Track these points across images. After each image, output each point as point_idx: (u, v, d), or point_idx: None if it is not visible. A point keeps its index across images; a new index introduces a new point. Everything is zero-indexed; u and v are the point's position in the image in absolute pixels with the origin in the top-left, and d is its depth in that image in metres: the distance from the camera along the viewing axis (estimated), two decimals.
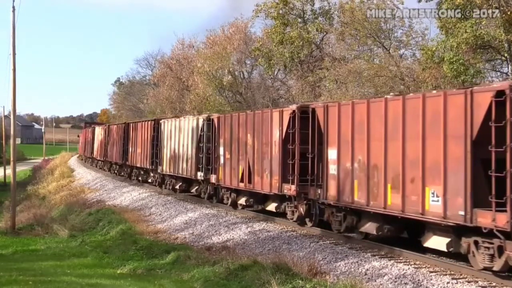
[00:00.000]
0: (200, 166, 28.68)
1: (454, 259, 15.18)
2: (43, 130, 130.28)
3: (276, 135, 21.87)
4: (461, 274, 14.23)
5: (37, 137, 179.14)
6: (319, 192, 19.24)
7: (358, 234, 18.33)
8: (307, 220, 20.69)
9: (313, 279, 14.63)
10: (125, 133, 45.31)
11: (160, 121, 35.77)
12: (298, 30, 40.10)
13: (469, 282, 13.59)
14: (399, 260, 15.87)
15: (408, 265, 15.29)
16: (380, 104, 16.66)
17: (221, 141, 26.41)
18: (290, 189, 20.85)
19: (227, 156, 25.72)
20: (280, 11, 40.54)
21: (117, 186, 42.08)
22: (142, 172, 40.95)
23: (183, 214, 26.90)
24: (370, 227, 17.39)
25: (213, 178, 27.30)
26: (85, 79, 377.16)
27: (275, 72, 47.22)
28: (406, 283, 13.97)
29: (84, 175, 56.98)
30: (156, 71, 76.48)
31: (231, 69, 49.21)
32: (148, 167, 38.27)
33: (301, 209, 20.60)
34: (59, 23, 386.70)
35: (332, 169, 18.59)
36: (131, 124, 44.23)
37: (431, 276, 14.18)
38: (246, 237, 21.01)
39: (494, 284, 13.44)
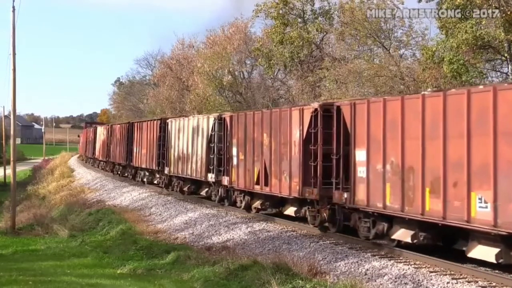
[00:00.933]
0: (211, 168, 27.51)
1: (454, 259, 15.17)
2: (43, 130, 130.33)
3: (296, 135, 20.52)
4: (461, 274, 14.22)
5: (37, 137, 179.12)
6: (345, 196, 17.97)
7: (389, 241, 16.99)
8: (329, 225, 19.56)
9: (313, 279, 14.63)
10: (129, 133, 43.81)
11: (167, 121, 34.38)
12: (298, 30, 40.12)
13: (469, 282, 13.58)
14: (399, 260, 15.87)
15: (408, 265, 15.28)
16: (417, 101, 15.48)
17: (234, 141, 25.06)
18: (312, 192, 19.61)
19: (241, 157, 24.38)
20: (280, 11, 40.56)
21: (117, 186, 42.09)
22: (147, 173, 39.64)
23: (183, 214, 26.90)
24: (403, 235, 16.22)
25: (225, 180, 25.94)
26: (85, 79, 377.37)
27: (275, 72, 47.24)
28: (406, 283, 13.96)
29: (84, 175, 56.98)
30: (156, 71, 76.57)
31: (231, 69, 49.23)
32: (154, 168, 36.92)
33: (324, 214, 19.38)
34: (59, 23, 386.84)
35: (361, 171, 17.34)
36: (136, 124, 42.48)
37: (431, 276, 14.18)
38: (246, 237, 21.01)
39: (494, 284, 13.43)
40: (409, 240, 15.94)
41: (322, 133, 19.35)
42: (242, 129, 24.36)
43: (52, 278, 17.50)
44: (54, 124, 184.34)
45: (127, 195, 36.44)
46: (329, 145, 18.87)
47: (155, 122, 37.07)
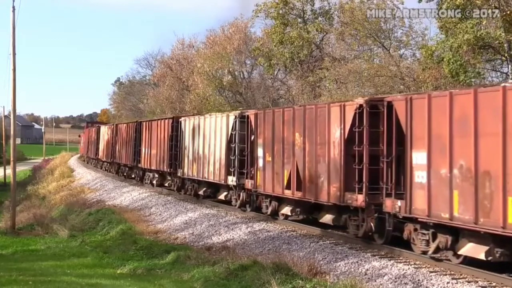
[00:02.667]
0: (232, 170, 25.42)
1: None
2: (43, 130, 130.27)
3: (336, 134, 18.29)
4: (461, 274, 14.21)
5: (37, 137, 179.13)
6: (399, 204, 15.90)
7: (453, 257, 14.89)
8: (376, 236, 17.44)
9: (313, 279, 14.63)
10: (137, 132, 41.42)
11: (180, 119, 32.38)
12: (298, 30, 40.14)
13: (469, 282, 13.58)
14: (399, 260, 15.86)
15: (408, 265, 15.28)
16: (495, 94, 13.34)
17: (260, 141, 22.94)
18: (357, 199, 17.35)
19: (268, 158, 22.25)
20: (280, 11, 40.63)
21: (117, 186, 42.08)
22: (156, 176, 37.22)
23: (183, 214, 26.90)
24: (474, 250, 14.14)
25: (249, 184, 23.87)
26: (85, 79, 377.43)
27: (275, 72, 47.30)
28: (406, 283, 13.96)
29: (84, 175, 56.97)
30: (156, 71, 76.58)
31: (231, 69, 49.28)
32: (165, 170, 34.60)
33: (371, 223, 17.20)
34: (59, 23, 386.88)
35: (419, 176, 15.22)
36: (145, 123, 39.93)
37: (431, 276, 14.18)
38: (246, 237, 21.01)
39: (494, 284, 13.42)
40: (482, 256, 13.80)
41: (368, 132, 17.18)
42: (269, 128, 22.26)
43: (52, 278, 17.49)
44: (54, 124, 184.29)
45: (127, 195, 36.44)
46: (376, 145, 16.85)
47: (166, 121, 34.88)
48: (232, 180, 25.50)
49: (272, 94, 47.14)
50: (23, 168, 78.78)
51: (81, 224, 28.52)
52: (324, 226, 20.06)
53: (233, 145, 25.48)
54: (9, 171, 43.05)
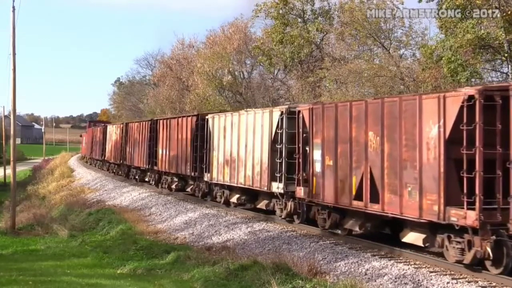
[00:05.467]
0: (279, 175, 21.92)
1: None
2: (43, 130, 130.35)
3: (432, 134, 14.83)
4: (461, 274, 14.22)
5: (37, 137, 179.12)
6: None
7: None
8: (491, 263, 13.96)
9: (313, 279, 14.64)
10: (152, 132, 37.68)
11: (207, 117, 28.75)
12: (298, 29, 40.17)
13: (469, 282, 13.59)
14: (399, 260, 15.86)
15: (408, 265, 15.28)
16: None
17: (317, 141, 19.39)
18: (465, 216, 13.81)
19: (328, 162, 18.81)
20: (280, 11, 40.66)
21: (117, 186, 42.08)
22: (176, 180, 33.58)
23: (183, 214, 26.89)
24: None
25: (301, 192, 20.29)
26: (85, 79, 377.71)
27: (275, 72, 47.34)
28: (406, 283, 13.96)
29: (84, 175, 56.98)
30: (156, 71, 76.67)
31: (231, 69, 49.29)
32: (187, 173, 31.08)
33: (486, 248, 13.70)
34: (59, 23, 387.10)
35: None
36: (162, 121, 36.22)
37: (431, 276, 14.18)
38: (246, 237, 21.01)
39: (494, 284, 13.43)
40: None
41: (481, 131, 13.69)
42: (330, 126, 18.67)
43: (52, 278, 17.49)
44: (54, 124, 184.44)
45: (127, 195, 36.44)
46: (493, 148, 13.70)
47: (189, 119, 31.28)
48: (277, 187, 22.02)
49: (272, 94, 47.15)
50: (23, 168, 78.79)
51: (81, 224, 28.53)
52: (402, 244, 16.77)
53: (278, 146, 22.10)
54: (9, 171, 43.04)
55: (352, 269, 15.60)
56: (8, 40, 54.31)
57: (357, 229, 18.20)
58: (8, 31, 52.09)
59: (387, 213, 16.34)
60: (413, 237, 16.08)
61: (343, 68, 34.88)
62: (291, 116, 21.45)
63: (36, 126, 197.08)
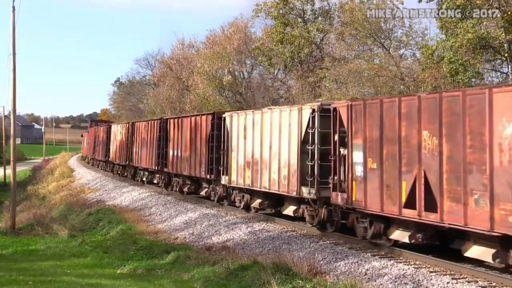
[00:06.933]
0: (310, 179, 19.85)
1: (454, 259, 15.17)
2: (43, 130, 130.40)
3: (506, 133, 13.00)
4: (461, 274, 14.22)
5: (37, 137, 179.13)
6: None
7: None
8: None
9: (313, 279, 14.63)
10: (161, 131, 35.87)
11: (224, 115, 26.81)
12: (298, 29, 40.18)
13: (469, 282, 13.59)
14: (399, 260, 15.86)
15: (408, 265, 15.28)
16: None
17: (358, 142, 17.56)
18: None
19: (371, 165, 16.92)
20: (281, 11, 40.64)
21: (117, 186, 42.09)
22: (188, 182, 31.75)
23: (183, 214, 26.89)
24: None
25: (337, 198, 18.38)
26: (85, 79, 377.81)
27: (275, 72, 47.34)
28: (406, 283, 13.96)
29: (84, 175, 56.99)
30: (156, 71, 76.64)
31: (231, 69, 49.29)
32: (201, 176, 29.16)
33: None
34: (59, 23, 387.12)
35: None
36: (172, 121, 34.32)
37: (431, 276, 14.18)
38: (246, 237, 21.00)
39: (494, 284, 13.43)
40: None
41: None
42: (374, 124, 16.90)
43: (52, 278, 17.50)
44: (54, 124, 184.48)
45: (127, 195, 36.45)
46: None
47: (203, 117, 29.41)
48: (309, 192, 19.95)
49: (272, 94, 47.16)
50: (23, 168, 78.81)
51: (81, 224, 28.54)
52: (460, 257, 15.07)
53: (309, 147, 20.03)
54: (9, 171, 43.06)
55: (352, 269, 15.60)
56: (8, 40, 54.32)
57: (406, 240, 16.15)
58: (8, 31, 52.11)
59: (446, 224, 14.44)
60: (479, 252, 14.18)
61: (343, 68, 34.89)
62: (324, 114, 19.64)
63: (36, 126, 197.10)
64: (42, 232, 27.47)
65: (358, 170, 17.46)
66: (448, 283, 13.58)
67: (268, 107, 25.17)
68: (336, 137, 18.63)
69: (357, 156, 17.52)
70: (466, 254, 14.49)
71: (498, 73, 30.54)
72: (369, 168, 17.00)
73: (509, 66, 28.02)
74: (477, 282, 13.58)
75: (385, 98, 17.32)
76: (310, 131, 19.99)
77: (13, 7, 30.28)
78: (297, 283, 14.16)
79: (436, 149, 14.70)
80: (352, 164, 17.74)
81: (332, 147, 18.87)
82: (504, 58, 28.35)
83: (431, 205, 14.80)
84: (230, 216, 24.82)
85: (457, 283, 13.55)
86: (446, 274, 14.30)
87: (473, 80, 27.33)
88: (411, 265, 15.30)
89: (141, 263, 18.76)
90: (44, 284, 16.60)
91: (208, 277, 15.90)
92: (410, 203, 15.43)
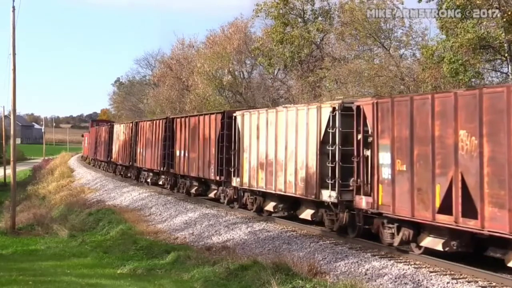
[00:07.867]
0: (331, 182, 18.75)
1: (454, 259, 15.17)
2: (43, 130, 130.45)
3: None
4: (461, 274, 14.22)
5: (37, 137, 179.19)
6: None
7: None
8: None
9: (313, 279, 14.63)
10: (166, 131, 34.79)
11: (235, 114, 25.67)
12: (298, 29, 40.20)
13: (469, 282, 13.59)
14: (399, 260, 15.87)
15: (408, 265, 15.28)
16: None
17: (385, 142, 16.47)
18: None
19: (400, 167, 15.82)
20: (281, 11, 40.66)
21: (117, 186, 42.09)
22: (196, 184, 30.86)
23: (183, 214, 26.90)
24: None
25: (362, 202, 17.27)
26: (85, 79, 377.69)
27: (275, 72, 47.36)
28: (406, 283, 13.96)
29: (84, 175, 57.00)
30: (156, 71, 76.70)
31: (231, 69, 49.32)
32: (210, 178, 28.20)
33: None
34: (59, 23, 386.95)
35: None
36: (179, 120, 33.32)
37: (431, 276, 14.19)
38: (246, 237, 21.01)
39: (494, 284, 13.43)
40: None
41: None
42: (403, 123, 15.78)
43: (52, 278, 17.49)
44: (54, 124, 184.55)
45: (127, 195, 36.45)
46: None
47: (213, 116, 28.28)
48: (329, 196, 18.89)
49: (272, 94, 47.18)
50: (23, 168, 78.82)
51: (81, 224, 28.53)
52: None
53: (330, 148, 18.88)
54: (9, 171, 43.05)
55: (352, 269, 15.60)
56: (8, 40, 54.31)
57: (439, 248, 15.07)
58: (8, 31, 52.09)
59: (489, 231, 13.29)
60: None
61: (343, 68, 34.91)
62: (346, 112, 18.45)
63: (36, 126, 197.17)
64: (42, 232, 27.46)
65: (385, 172, 16.37)
66: (448, 283, 13.58)
67: (283, 105, 24.07)
68: (360, 137, 17.50)
69: (384, 157, 16.43)
70: (510, 265, 13.47)
71: (498, 73, 30.58)
72: (397, 170, 15.89)
73: (509, 66, 28.03)
74: (477, 282, 13.58)
75: (416, 95, 16.19)
76: (331, 130, 18.85)
77: (13, 7, 30.28)
78: (297, 283, 14.16)
79: (475, 150, 13.60)
80: (378, 165, 16.65)
81: (355, 147, 17.68)
82: (504, 58, 28.37)
83: (469, 210, 13.72)
84: (230, 216, 24.82)
85: (457, 283, 13.55)
86: (446, 274, 14.30)
87: (473, 80, 27.33)
88: (411, 265, 15.30)
89: (141, 263, 18.76)
90: (44, 284, 16.60)
91: (208, 277, 15.89)
92: (445, 208, 14.34)
